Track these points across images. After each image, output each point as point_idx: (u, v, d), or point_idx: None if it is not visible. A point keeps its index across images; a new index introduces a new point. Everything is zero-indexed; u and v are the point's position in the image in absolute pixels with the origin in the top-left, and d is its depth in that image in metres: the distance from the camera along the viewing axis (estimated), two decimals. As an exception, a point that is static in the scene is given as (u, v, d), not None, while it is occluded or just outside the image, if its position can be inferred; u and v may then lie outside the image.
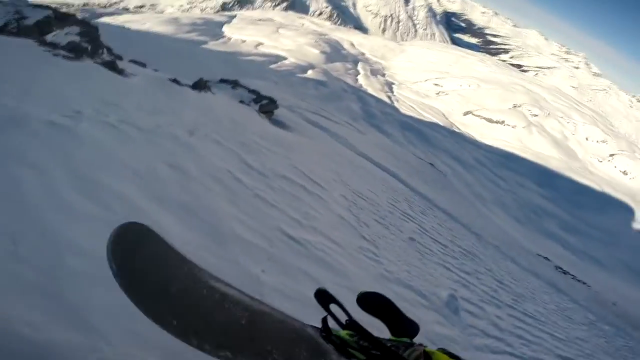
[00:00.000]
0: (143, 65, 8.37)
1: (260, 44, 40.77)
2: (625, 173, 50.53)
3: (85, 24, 7.33)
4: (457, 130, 45.87)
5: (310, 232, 3.37)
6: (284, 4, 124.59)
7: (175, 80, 7.44)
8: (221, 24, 44.55)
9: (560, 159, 47.12)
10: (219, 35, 39.49)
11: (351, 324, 0.84)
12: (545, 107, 55.06)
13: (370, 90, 42.44)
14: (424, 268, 4.41)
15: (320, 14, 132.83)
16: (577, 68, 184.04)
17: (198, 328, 0.66)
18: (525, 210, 33.67)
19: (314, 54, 43.32)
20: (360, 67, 49.12)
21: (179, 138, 3.80)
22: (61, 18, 6.94)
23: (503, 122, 49.63)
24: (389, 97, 44.86)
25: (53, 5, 8.61)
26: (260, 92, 11.61)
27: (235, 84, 12.24)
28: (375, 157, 12.81)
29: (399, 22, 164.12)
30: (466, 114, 50.06)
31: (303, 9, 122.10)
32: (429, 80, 54.46)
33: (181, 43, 27.71)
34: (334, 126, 16.84)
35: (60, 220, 1.80)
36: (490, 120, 49.79)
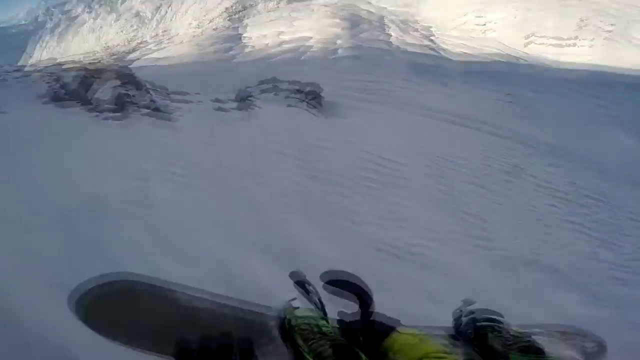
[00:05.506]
0: (185, 94, 8.38)
1: (281, 33, 39.15)
2: None
3: (121, 74, 7.71)
4: (524, 61, 38.00)
5: (401, 231, 3.00)
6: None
7: (217, 100, 7.60)
8: (238, 36, 44.54)
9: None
10: (239, 42, 39.29)
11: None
12: (619, 16, 41.06)
13: (409, 48, 37.72)
14: (549, 236, 3.57)
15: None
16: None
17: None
18: (644, 121, 25.83)
19: (336, 30, 40.02)
20: (388, 23, 43.49)
21: (243, 169, 3.70)
22: (96, 75, 7.40)
23: (575, 42, 39.21)
24: (432, 48, 39.15)
25: (78, 63, 9.18)
26: (302, 89, 11.24)
27: (274, 81, 11.82)
28: (445, 111, 11.42)
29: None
30: (527, 43, 40.99)
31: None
32: (467, 15, 45.53)
33: (214, 62, 28.64)
34: (388, 94, 15.63)
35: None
36: (559, 44, 39.86)
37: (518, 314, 2.30)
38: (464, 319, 1.24)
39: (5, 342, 1.58)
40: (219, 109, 7.49)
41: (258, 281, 2.12)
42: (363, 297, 0.94)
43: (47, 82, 6.65)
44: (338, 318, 1.00)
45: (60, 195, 2.83)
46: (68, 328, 1.66)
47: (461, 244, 2.99)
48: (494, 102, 17.21)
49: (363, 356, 0.77)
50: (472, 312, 1.26)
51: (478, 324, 1.13)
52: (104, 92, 6.86)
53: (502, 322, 1.13)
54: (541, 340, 1.38)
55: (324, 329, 0.86)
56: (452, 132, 7.54)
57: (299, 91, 10.34)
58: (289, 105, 9.57)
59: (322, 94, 10.34)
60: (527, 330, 1.41)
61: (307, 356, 0.81)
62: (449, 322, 2.03)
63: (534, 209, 4.07)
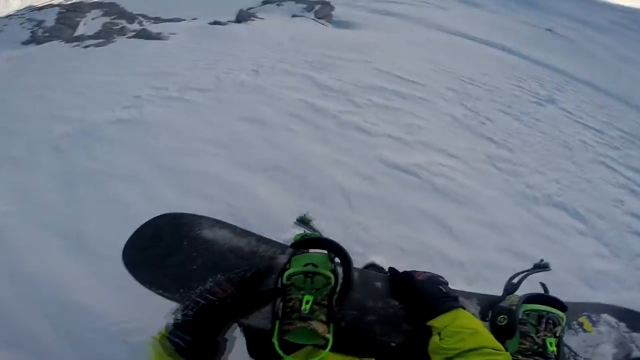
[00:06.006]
0: (178, 20, 7.87)
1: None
2: None
3: (107, 7, 7.02)
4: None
5: (419, 151, 2.63)
6: None
7: (216, 22, 6.72)
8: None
9: None
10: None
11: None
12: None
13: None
14: (577, 171, 3.22)
15: None
16: None
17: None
18: (694, 68, 23.28)
19: None
20: None
21: (244, 84, 3.41)
22: (77, 11, 6.73)
23: (635, -18, 32.51)
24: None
25: (57, 1, 8.44)
26: (310, 8, 10.01)
27: (279, 4, 10.77)
28: (472, 32, 10.09)
29: None
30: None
31: None
32: None
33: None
34: (409, 9, 13.74)
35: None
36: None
37: (532, 255, 2.10)
38: (511, 305, 0.94)
39: (9, 287, 1.53)
40: (215, 23, 6.65)
41: (265, 204, 2.00)
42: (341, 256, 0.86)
43: (29, 29, 6.26)
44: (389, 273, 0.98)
45: (51, 129, 2.71)
46: (71, 270, 1.58)
47: (485, 173, 2.65)
48: (529, 31, 15.35)
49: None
50: (527, 300, 0.95)
51: (519, 321, 0.92)
52: (89, 26, 6.37)
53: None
54: (600, 322, 1.12)
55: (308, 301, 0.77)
56: (479, 57, 6.71)
57: (307, 10, 9.33)
58: (293, 16, 8.47)
59: (333, 13, 9.28)
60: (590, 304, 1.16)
61: (275, 332, 0.75)
62: (464, 260, 1.75)
63: (564, 143, 3.66)
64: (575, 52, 13.40)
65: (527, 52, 9.09)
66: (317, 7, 9.36)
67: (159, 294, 0.93)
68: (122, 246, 1.16)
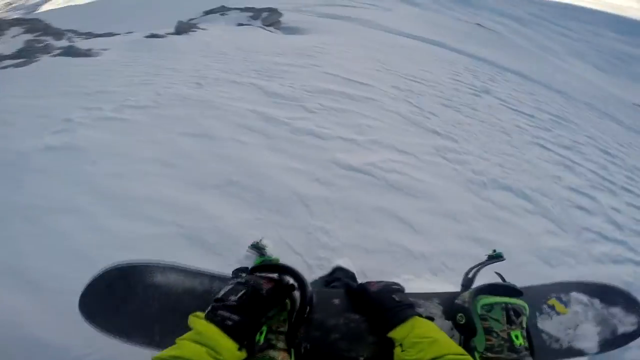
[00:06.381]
0: (110, 34, 7.38)
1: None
2: None
3: (29, 23, 6.38)
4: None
5: (371, 151, 2.70)
6: None
7: (153, 35, 6.34)
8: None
9: (642, 9, 34.88)
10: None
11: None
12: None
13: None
14: (516, 154, 3.52)
15: None
16: None
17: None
18: (607, 57, 26.84)
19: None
20: None
21: (187, 97, 3.23)
22: None
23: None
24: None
25: None
26: (254, 7, 9.87)
27: (222, 9, 10.44)
28: (413, 31, 10.68)
29: None
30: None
31: None
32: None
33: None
34: (354, 11, 14.18)
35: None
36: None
37: (489, 240, 2.22)
38: (465, 302, 0.91)
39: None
40: (152, 36, 6.28)
41: (220, 220, 1.91)
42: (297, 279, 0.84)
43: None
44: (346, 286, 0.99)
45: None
46: (22, 307, 1.41)
47: (435, 165, 2.79)
48: (462, 27, 16.60)
49: None
50: (479, 292, 0.93)
51: (480, 317, 0.87)
52: (8, 45, 5.67)
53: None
54: (575, 300, 1.10)
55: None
56: (420, 54, 7.11)
57: (253, 18, 9.19)
58: (239, 25, 8.33)
59: (280, 19, 9.27)
60: (570, 282, 1.14)
61: None
62: (426, 253, 1.79)
63: (502, 129, 3.99)
64: (503, 44, 14.77)
65: (462, 47, 9.82)
66: (265, 14, 9.27)
67: (121, 340, 0.92)
68: (71, 278, 1.06)
